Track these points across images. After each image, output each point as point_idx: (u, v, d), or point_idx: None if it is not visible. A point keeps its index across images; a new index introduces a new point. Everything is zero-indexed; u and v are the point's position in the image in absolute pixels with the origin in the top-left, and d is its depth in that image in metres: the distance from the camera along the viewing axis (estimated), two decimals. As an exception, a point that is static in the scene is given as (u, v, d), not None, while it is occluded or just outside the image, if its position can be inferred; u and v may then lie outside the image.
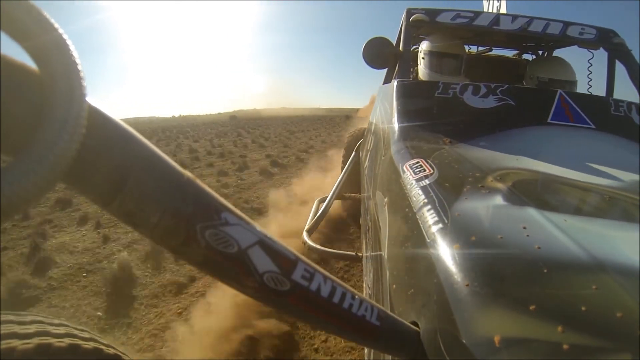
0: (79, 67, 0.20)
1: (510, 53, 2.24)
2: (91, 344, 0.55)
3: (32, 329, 0.51)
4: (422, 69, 1.48)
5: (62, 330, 0.54)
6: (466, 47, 2.22)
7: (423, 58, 1.47)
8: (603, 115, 1.10)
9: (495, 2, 2.00)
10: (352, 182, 2.23)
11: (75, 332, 0.57)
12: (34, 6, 0.18)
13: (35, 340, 0.48)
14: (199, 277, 2.22)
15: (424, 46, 1.48)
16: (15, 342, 0.46)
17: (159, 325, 1.78)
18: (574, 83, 1.44)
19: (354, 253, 1.34)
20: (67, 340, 0.52)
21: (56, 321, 0.57)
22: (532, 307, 0.30)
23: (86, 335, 0.58)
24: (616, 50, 1.42)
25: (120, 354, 0.61)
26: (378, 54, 1.41)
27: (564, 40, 1.54)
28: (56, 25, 0.19)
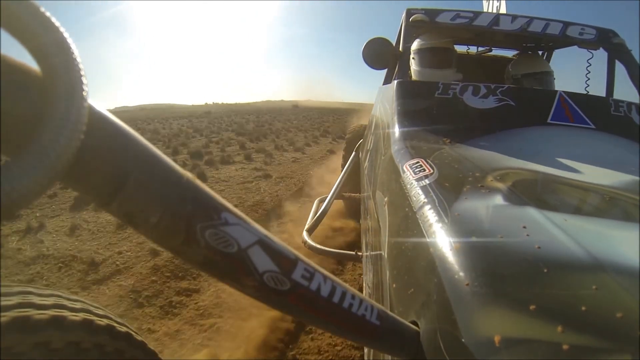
0: (80, 66, 0.20)
1: (510, 53, 2.25)
2: (105, 321, 0.57)
3: (50, 301, 0.52)
4: (414, 69, 1.50)
5: (78, 305, 0.56)
6: (466, 48, 2.23)
7: (414, 58, 1.49)
8: (603, 115, 1.10)
9: (495, 2, 2.00)
10: (352, 181, 2.23)
11: (91, 308, 0.58)
12: (36, 5, 0.18)
13: (51, 312, 0.49)
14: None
15: (414, 46, 1.49)
16: (31, 312, 0.47)
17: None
18: (546, 73, 1.48)
19: (354, 253, 1.35)
20: (82, 315, 0.53)
21: (73, 297, 0.58)
22: (532, 307, 0.30)
23: (100, 312, 0.59)
24: (616, 51, 1.42)
25: (133, 332, 0.62)
26: (378, 54, 1.42)
27: (564, 41, 1.54)
28: (58, 24, 0.19)
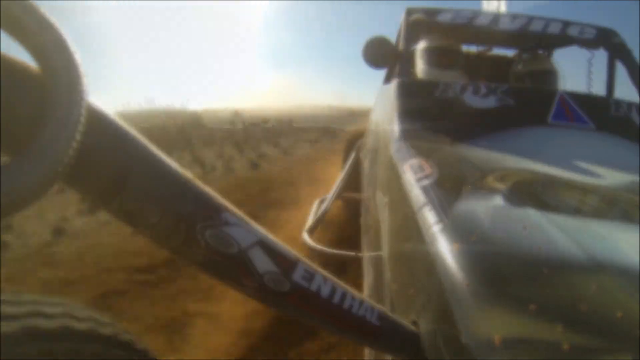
0: (80, 66, 0.20)
1: (510, 53, 2.24)
2: (109, 329, 0.59)
3: (58, 309, 0.54)
4: (421, 66, 1.50)
5: (84, 313, 0.58)
6: (466, 47, 2.22)
7: (422, 56, 1.49)
8: (603, 115, 1.10)
9: (495, 1, 2.00)
10: (353, 182, 2.23)
11: (96, 316, 0.60)
12: (35, 6, 0.18)
13: (59, 321, 0.51)
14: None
15: (422, 45, 1.50)
16: (40, 321, 0.49)
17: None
18: (550, 72, 1.47)
19: (354, 253, 1.35)
20: (88, 324, 0.55)
21: (79, 305, 0.60)
22: (532, 307, 0.30)
23: (105, 319, 0.61)
24: (616, 50, 1.42)
25: (135, 340, 0.64)
26: (378, 53, 1.41)
27: (564, 40, 1.54)
28: (57, 24, 0.19)
